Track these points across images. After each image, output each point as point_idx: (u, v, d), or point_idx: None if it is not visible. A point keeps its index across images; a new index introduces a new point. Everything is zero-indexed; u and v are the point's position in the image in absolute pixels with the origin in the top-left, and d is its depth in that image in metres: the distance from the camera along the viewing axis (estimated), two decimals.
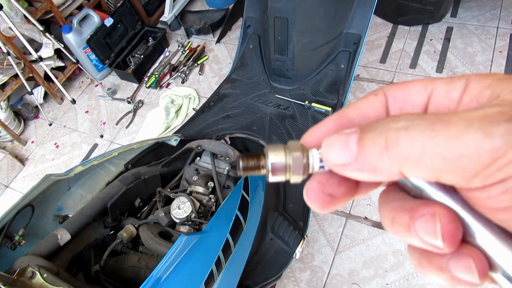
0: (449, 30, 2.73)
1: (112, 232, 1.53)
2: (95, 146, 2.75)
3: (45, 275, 0.99)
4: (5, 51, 2.31)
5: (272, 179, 0.26)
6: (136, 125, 2.79)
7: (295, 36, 1.76)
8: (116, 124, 2.82)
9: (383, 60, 2.71)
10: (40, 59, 2.30)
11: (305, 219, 1.46)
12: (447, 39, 2.69)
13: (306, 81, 1.91)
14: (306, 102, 1.83)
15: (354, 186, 0.26)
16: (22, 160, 2.78)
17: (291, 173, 0.26)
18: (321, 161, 0.25)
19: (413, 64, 2.62)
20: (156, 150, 1.65)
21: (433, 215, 0.21)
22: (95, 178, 1.47)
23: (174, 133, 1.90)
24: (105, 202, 1.40)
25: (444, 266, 0.21)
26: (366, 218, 2.10)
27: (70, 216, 1.42)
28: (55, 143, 2.84)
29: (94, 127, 2.78)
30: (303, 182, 0.27)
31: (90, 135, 2.82)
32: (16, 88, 2.67)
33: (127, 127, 2.79)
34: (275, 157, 0.26)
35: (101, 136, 2.77)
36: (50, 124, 2.96)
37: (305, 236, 1.37)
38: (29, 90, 2.60)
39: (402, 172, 0.21)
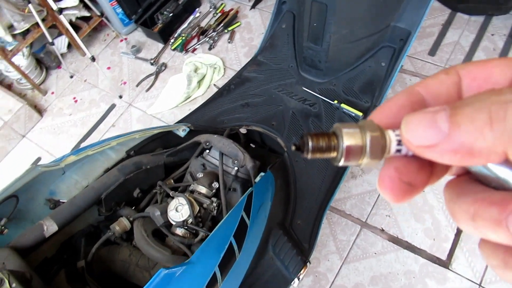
0: None
1: (105, 219, 1.45)
2: (112, 106, 2.65)
3: (13, 285, 0.91)
4: None
5: (343, 163, 0.23)
6: (157, 89, 2.66)
7: (333, 25, 1.53)
8: (137, 85, 2.70)
9: (432, 52, 2.40)
10: (60, 11, 2.15)
11: (311, 241, 1.32)
12: (511, 36, 2.33)
13: (339, 75, 1.69)
14: (336, 101, 1.62)
15: (430, 172, 0.24)
16: (40, 111, 2.73)
17: (367, 156, 0.23)
18: (398, 143, 0.23)
19: (467, 61, 2.31)
20: (162, 137, 1.51)
21: None
22: (93, 164, 1.37)
23: (188, 116, 1.76)
24: (99, 192, 1.31)
25: None
26: (382, 230, 1.94)
27: (62, 201, 1.35)
28: (74, 98, 2.76)
29: (114, 86, 2.67)
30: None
31: (109, 94, 2.72)
32: (38, 36, 2.56)
33: (147, 90, 2.66)
34: (350, 137, 0.22)
35: (120, 97, 2.67)
36: (71, 77, 2.87)
37: (307, 263, 1.24)
38: (50, 40, 2.48)
39: (507, 153, 0.18)
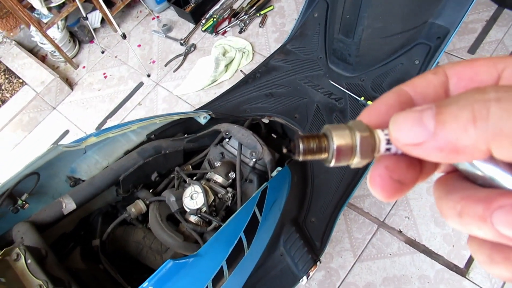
0: None
1: (123, 200, 1.48)
2: (140, 84, 2.68)
3: (28, 261, 0.95)
4: None
5: (334, 164, 0.24)
6: (184, 70, 2.66)
7: (367, 18, 1.46)
8: (165, 65, 2.71)
9: (472, 50, 2.27)
10: None
11: (324, 240, 1.30)
12: None
13: (368, 71, 1.62)
14: (362, 98, 1.57)
15: (420, 170, 0.24)
16: (71, 84, 2.80)
17: (357, 156, 0.23)
18: (387, 142, 0.23)
19: None
20: (184, 123, 1.52)
21: None
22: (114, 145, 1.39)
23: (210, 102, 1.75)
24: (118, 174, 1.33)
25: None
26: (400, 231, 1.89)
27: (82, 179, 1.38)
28: (104, 73, 2.80)
29: (143, 64, 2.69)
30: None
31: (137, 72, 2.74)
32: (73, 10, 2.60)
33: (175, 70, 2.66)
34: (340, 138, 0.23)
35: (148, 76, 2.69)
36: (103, 52, 2.91)
37: (318, 262, 1.23)
38: (84, 15, 2.51)
39: (491, 150, 0.18)
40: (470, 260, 1.76)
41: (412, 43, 1.55)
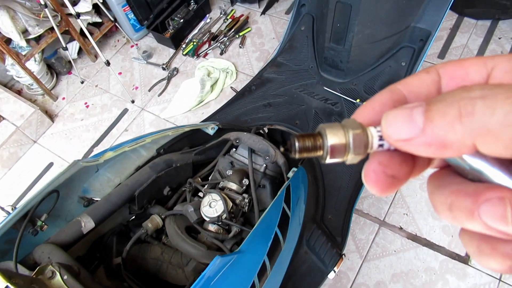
0: None
1: (135, 218, 1.45)
2: (125, 111, 2.66)
3: (65, 277, 0.91)
4: (42, 2, 2.19)
5: (329, 160, 0.25)
6: (169, 94, 2.67)
7: (357, 25, 1.57)
8: (149, 90, 2.71)
9: (441, 55, 2.46)
10: (78, 15, 2.17)
11: (344, 234, 1.34)
12: None
13: (359, 75, 1.72)
14: (358, 100, 1.66)
15: (412, 165, 0.25)
16: (51, 116, 2.73)
17: (351, 153, 0.24)
18: (379, 139, 0.24)
19: None
20: (189, 136, 1.53)
21: (502, 199, 0.20)
22: (125, 162, 1.38)
23: (211, 116, 1.78)
24: (133, 190, 1.31)
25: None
26: (401, 228, 1.96)
27: (95, 199, 1.35)
28: (86, 103, 2.76)
29: (126, 91, 2.69)
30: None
31: (121, 99, 2.73)
32: (51, 42, 2.57)
33: (159, 95, 2.68)
34: (334, 136, 0.24)
35: (132, 102, 2.68)
36: (82, 82, 2.87)
37: (343, 255, 1.26)
38: (64, 45, 2.49)
39: (476, 145, 0.19)
40: None
41: (397, 46, 1.67)
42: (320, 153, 0.25)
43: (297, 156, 0.25)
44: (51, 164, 2.54)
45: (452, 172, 0.24)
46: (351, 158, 0.24)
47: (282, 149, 0.27)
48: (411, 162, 0.25)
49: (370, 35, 1.61)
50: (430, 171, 0.26)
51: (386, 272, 1.87)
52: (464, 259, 1.82)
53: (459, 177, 0.23)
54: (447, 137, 0.20)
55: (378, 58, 1.69)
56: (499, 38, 2.43)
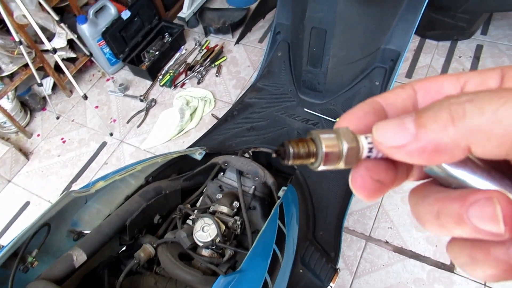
0: (479, 48, 2.63)
1: (126, 249, 1.43)
2: (104, 144, 2.63)
3: None
4: (17, 39, 2.18)
5: (321, 168, 0.24)
6: (148, 125, 2.68)
7: (332, 48, 1.65)
8: (127, 122, 2.71)
9: (409, 74, 2.61)
10: (54, 51, 2.18)
11: (336, 248, 1.36)
12: (476, 57, 2.59)
13: (337, 96, 1.80)
14: (337, 119, 1.72)
15: (395, 173, 0.25)
16: (26, 154, 2.66)
17: (342, 162, 0.24)
18: (369, 150, 0.24)
19: None
20: (177, 163, 1.54)
21: (489, 199, 0.19)
22: (114, 192, 1.36)
23: (195, 142, 1.79)
24: (123, 219, 1.30)
25: (507, 255, 0.20)
26: (387, 242, 2.00)
27: (85, 232, 1.32)
28: (62, 138, 2.72)
29: (103, 124, 2.67)
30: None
31: (99, 132, 2.70)
32: (25, 78, 2.55)
33: (138, 126, 2.67)
34: (329, 143, 0.24)
35: (111, 134, 2.66)
36: (58, 118, 2.83)
37: (338, 269, 1.28)
38: (39, 81, 2.47)
39: (470, 147, 0.20)
40: None
41: (371, 67, 1.77)
42: (312, 160, 0.24)
43: (290, 162, 0.25)
44: (27, 203, 2.45)
45: (434, 184, 0.25)
46: (340, 167, 0.25)
47: (274, 155, 0.26)
48: (395, 170, 0.25)
49: (345, 57, 1.70)
50: (410, 185, 0.27)
51: (377, 287, 1.89)
52: (450, 267, 1.88)
53: (442, 187, 0.24)
54: (441, 141, 0.20)
55: (353, 79, 1.78)
56: (459, 57, 2.61)
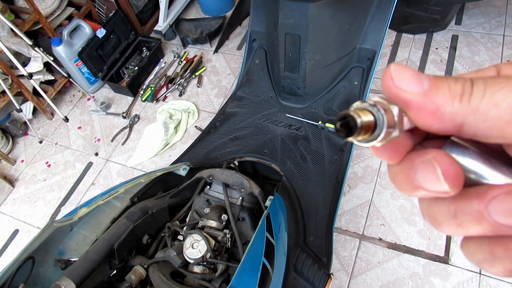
0: (455, 39, 2.66)
1: (116, 272, 1.41)
2: (90, 165, 2.60)
3: None
4: None
5: (379, 143, 0.22)
6: (133, 141, 2.65)
7: (307, 53, 1.66)
8: (112, 140, 2.68)
9: None
10: (30, 76, 2.15)
11: (328, 254, 1.36)
12: (453, 48, 2.62)
13: (317, 99, 1.80)
14: (320, 122, 1.73)
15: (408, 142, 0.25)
16: (11, 181, 2.62)
17: (396, 132, 0.22)
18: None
19: None
20: (162, 180, 1.52)
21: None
22: (99, 216, 1.34)
23: (180, 157, 1.78)
24: (111, 243, 1.28)
25: None
26: (380, 239, 2.01)
27: (72, 260, 1.30)
28: (47, 162, 2.68)
29: (88, 144, 2.64)
30: None
31: (84, 153, 2.67)
32: (3, 105, 2.51)
33: (123, 143, 2.65)
34: (386, 114, 0.22)
35: (96, 154, 2.63)
36: (41, 142, 2.80)
37: (331, 275, 1.27)
38: (18, 107, 2.43)
39: (464, 125, 0.21)
40: (448, 247, 1.91)
41: (348, 67, 1.78)
42: (368, 135, 0.22)
43: (352, 138, 0.22)
44: (16, 231, 2.41)
45: None
46: (395, 134, 0.22)
47: (338, 124, 0.22)
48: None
49: (321, 60, 1.70)
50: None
51: (374, 285, 1.90)
52: (444, 259, 1.89)
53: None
54: (443, 108, 0.21)
55: (332, 81, 1.78)
56: (436, 49, 2.64)
